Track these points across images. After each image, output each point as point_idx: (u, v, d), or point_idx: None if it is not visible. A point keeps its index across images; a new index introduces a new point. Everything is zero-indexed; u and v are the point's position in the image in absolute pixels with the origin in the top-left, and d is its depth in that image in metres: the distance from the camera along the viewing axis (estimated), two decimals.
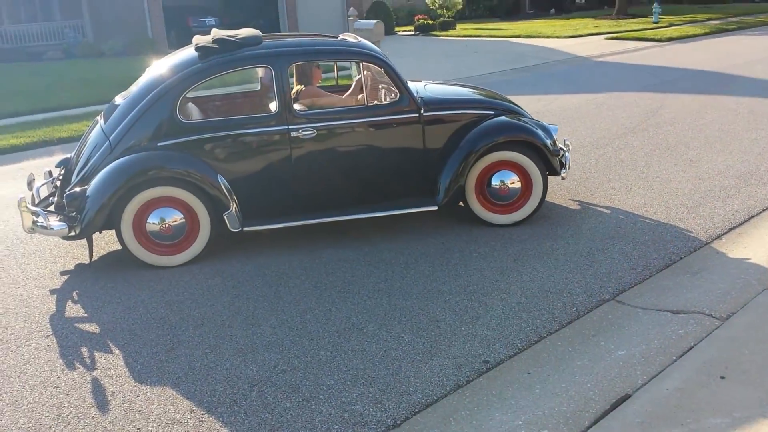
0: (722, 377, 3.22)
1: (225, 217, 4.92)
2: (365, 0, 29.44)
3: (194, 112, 5.47)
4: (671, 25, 24.74)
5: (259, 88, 6.21)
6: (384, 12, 25.39)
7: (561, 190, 6.28)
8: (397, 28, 27.95)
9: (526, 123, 5.57)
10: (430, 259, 4.93)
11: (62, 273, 5.01)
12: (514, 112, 5.73)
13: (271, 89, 5.23)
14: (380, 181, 5.33)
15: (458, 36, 25.16)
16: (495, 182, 5.42)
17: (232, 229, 4.94)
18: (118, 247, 5.19)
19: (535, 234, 5.34)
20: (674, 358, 3.48)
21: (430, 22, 27.48)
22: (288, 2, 26.04)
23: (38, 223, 4.78)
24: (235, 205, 4.94)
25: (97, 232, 4.96)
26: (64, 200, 4.85)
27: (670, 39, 20.47)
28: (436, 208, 5.31)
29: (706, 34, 21.84)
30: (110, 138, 4.97)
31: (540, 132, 5.51)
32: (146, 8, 23.13)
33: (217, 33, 5.30)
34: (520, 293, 4.35)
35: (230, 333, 3.99)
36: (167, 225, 4.88)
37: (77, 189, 4.84)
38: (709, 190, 6.22)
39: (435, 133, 5.36)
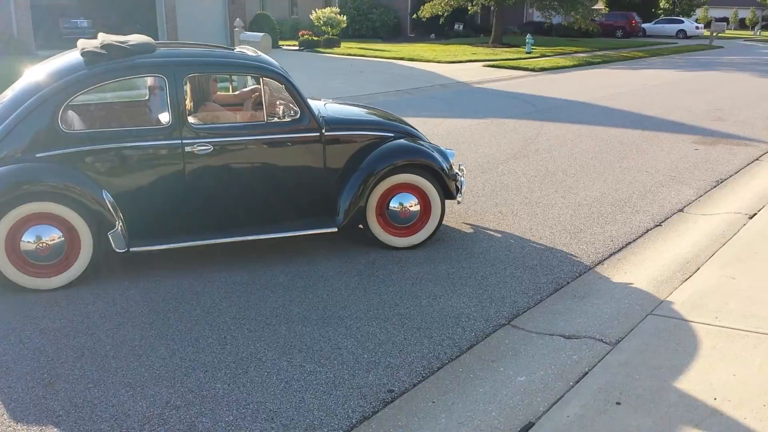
0: (618, 403, 3.34)
1: (110, 237, 4.57)
2: (249, 11, 29.02)
3: (75, 122, 5.07)
4: (543, 56, 26.20)
5: (147, 97, 5.88)
6: (268, 25, 25.12)
7: (452, 214, 6.38)
8: (281, 42, 27.73)
9: (425, 146, 5.62)
10: (329, 283, 4.83)
11: None
12: (412, 135, 5.79)
13: (163, 100, 4.93)
14: (278, 201, 5.17)
15: (342, 54, 25.32)
16: (395, 205, 5.41)
17: (118, 250, 4.60)
18: None
19: (430, 257, 5.37)
20: (571, 383, 3.58)
21: (314, 38, 27.51)
22: (167, 8, 25.14)
23: None
24: (120, 224, 4.61)
25: None
26: None
27: (543, 69, 21.66)
28: (336, 230, 5.22)
29: (574, 66, 23.31)
30: None
31: (438, 156, 5.57)
32: (12, 5, 21.52)
33: (105, 38, 4.96)
34: (420, 318, 4.35)
35: (115, 365, 3.69)
36: (44, 244, 4.47)
37: None
38: (588, 216, 6.54)
39: (335, 154, 5.28)
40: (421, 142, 5.71)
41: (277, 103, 5.36)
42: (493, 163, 8.54)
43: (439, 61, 22.89)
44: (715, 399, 3.34)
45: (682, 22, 48.03)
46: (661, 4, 54.13)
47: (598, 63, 24.70)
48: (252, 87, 5.83)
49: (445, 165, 5.57)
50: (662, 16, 51.67)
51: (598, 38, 39.48)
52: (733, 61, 27.62)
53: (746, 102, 15.00)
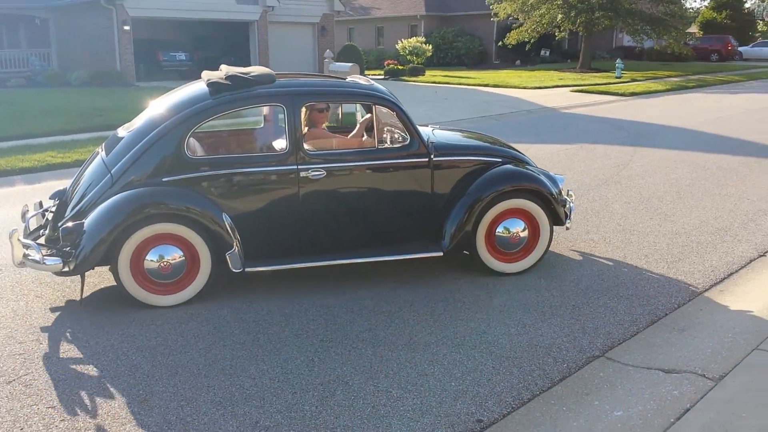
0: None
1: (227, 257, 4.74)
2: (337, 42, 29.77)
3: (197, 148, 5.32)
4: (633, 80, 25.52)
5: (261, 125, 6.12)
6: (355, 55, 25.65)
7: None
8: (367, 72, 28.22)
9: (533, 172, 5.57)
10: (414, 308, 4.79)
11: (20, 312, 4.72)
12: (520, 160, 5.74)
13: (278, 128, 5.09)
14: (386, 225, 5.24)
15: (427, 82, 25.49)
16: (504, 230, 5.39)
17: (234, 270, 4.77)
18: (77, 286, 4.93)
19: (518, 285, 5.25)
20: (672, 420, 3.38)
21: (400, 67, 27.85)
22: (260, 41, 26.11)
23: (30, 257, 4.55)
24: (237, 245, 4.78)
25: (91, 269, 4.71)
26: (60, 234, 4.61)
27: (633, 94, 21.07)
28: (441, 254, 5.23)
29: (667, 90, 22.58)
30: (112, 171, 4.79)
31: (546, 181, 5.52)
32: (116, 41, 22.92)
33: (229, 70, 5.21)
34: (508, 347, 4.23)
35: (207, 383, 3.77)
36: (166, 263, 4.69)
37: (74, 222, 4.62)
38: (686, 245, 6.24)
39: (443, 179, 5.31)
40: (529, 167, 5.66)
41: (385, 129, 5.46)
42: (583, 189, 8.31)
43: (525, 87, 22.68)
44: None
45: None
46: (758, 27, 51.92)
47: (693, 87, 23.82)
48: (362, 120, 5.94)
49: (554, 190, 5.51)
50: (760, 39, 49.47)
51: (692, 62, 38.13)
52: None
53: None
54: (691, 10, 47.86)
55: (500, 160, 5.55)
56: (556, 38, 33.68)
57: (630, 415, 3.46)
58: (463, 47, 37.19)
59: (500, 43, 33.51)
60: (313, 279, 5.26)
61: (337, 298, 4.97)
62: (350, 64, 14.06)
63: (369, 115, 5.48)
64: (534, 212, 5.40)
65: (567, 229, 5.80)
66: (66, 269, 4.54)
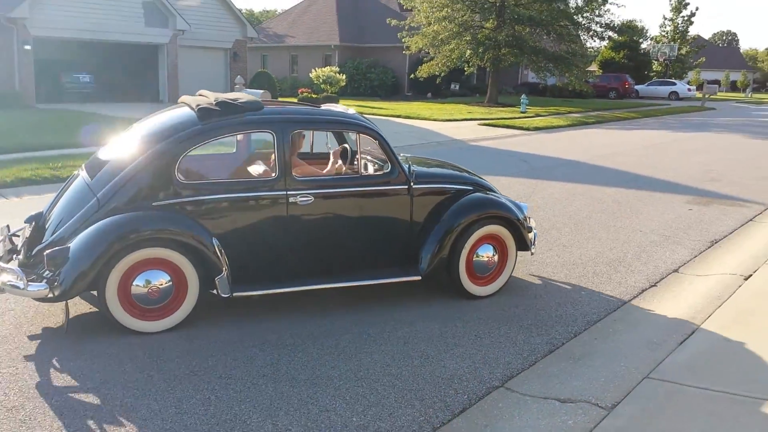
0: None
1: (217, 282, 4.69)
2: (250, 69, 29.56)
3: (185, 173, 5.16)
4: (537, 115, 26.55)
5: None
6: (269, 82, 25.51)
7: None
8: (280, 99, 28.12)
9: (503, 199, 5.83)
10: (318, 341, 4.73)
11: None
12: (487, 187, 6.01)
13: (264, 154, 5.28)
14: (367, 250, 5.36)
15: None
16: (476, 256, 5.62)
17: (223, 295, 4.72)
18: None
19: (422, 316, 5.28)
20: None
21: (313, 95, 27.88)
22: (170, 65, 25.55)
23: (9, 283, 4.33)
24: (226, 270, 4.72)
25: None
26: (45, 259, 4.38)
27: (537, 128, 21.92)
28: (419, 278, 5.38)
29: (568, 125, 23.60)
30: (98, 195, 4.64)
31: (514, 208, 5.78)
32: (16, 60, 21.86)
33: (217, 96, 5.18)
34: (411, 379, 4.23)
35: (94, 426, 3.56)
36: (154, 288, 4.58)
37: (59, 247, 4.42)
38: (583, 275, 6.48)
39: (421, 205, 5.51)
40: (494, 194, 5.91)
41: (360, 156, 5.58)
42: None
43: (435, 119, 23.17)
44: None
45: (675, 84, 49.00)
46: (653, 67, 55.33)
47: (592, 123, 25.01)
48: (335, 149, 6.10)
49: (520, 216, 5.79)
50: (654, 78, 52.74)
51: (592, 99, 40.14)
52: (726, 122, 28.04)
53: (739, 162, 15.14)
54: (591, 50, 50.52)
55: (471, 188, 5.82)
56: (466, 73, 34.72)
57: None
58: (376, 78, 37.72)
59: (412, 76, 34.21)
60: (212, 312, 5.10)
61: (238, 331, 4.84)
62: (261, 90, 13.96)
63: (346, 144, 5.71)
64: (504, 237, 5.69)
65: (532, 254, 6.10)
66: (50, 295, 4.37)
